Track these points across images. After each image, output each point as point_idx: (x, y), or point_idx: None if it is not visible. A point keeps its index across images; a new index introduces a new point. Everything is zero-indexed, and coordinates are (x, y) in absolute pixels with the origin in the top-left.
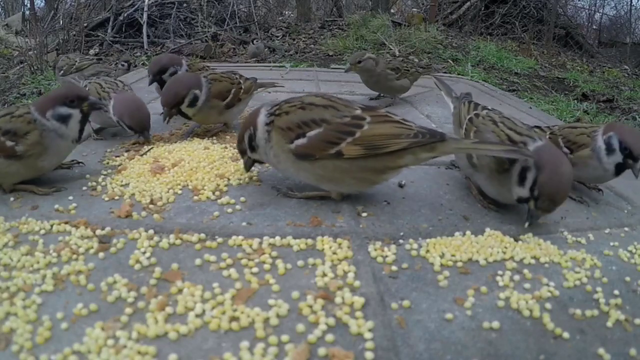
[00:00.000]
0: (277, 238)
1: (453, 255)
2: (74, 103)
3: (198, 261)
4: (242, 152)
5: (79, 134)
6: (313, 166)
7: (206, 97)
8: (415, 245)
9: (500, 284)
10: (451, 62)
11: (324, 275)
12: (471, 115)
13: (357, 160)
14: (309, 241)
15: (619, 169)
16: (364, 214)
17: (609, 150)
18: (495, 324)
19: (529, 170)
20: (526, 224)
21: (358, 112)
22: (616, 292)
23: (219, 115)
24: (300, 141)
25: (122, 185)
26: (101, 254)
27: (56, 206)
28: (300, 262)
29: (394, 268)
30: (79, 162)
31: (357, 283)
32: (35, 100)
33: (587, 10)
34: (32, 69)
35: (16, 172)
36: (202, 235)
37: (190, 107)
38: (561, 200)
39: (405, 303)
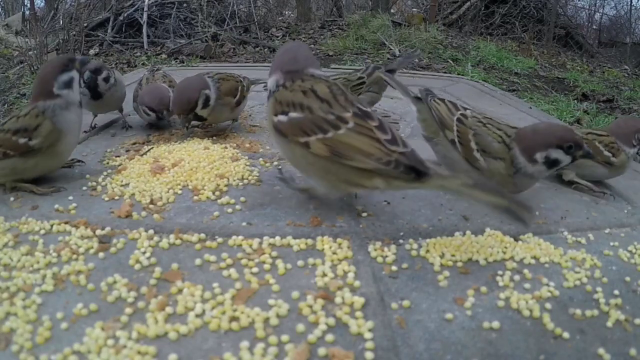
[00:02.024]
0: (277, 238)
1: (453, 255)
2: (69, 66)
3: (198, 261)
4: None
5: (80, 95)
6: (288, 147)
7: (216, 95)
8: (415, 245)
9: (500, 284)
10: (451, 62)
11: (324, 275)
12: (458, 115)
13: (323, 159)
14: (309, 241)
15: None
16: (364, 214)
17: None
18: (495, 324)
19: (553, 154)
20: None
21: (347, 114)
22: (616, 292)
23: (230, 112)
24: (281, 117)
25: (122, 185)
26: (101, 254)
27: (56, 206)
28: (300, 262)
29: (394, 268)
30: (79, 161)
31: (357, 283)
32: (32, 94)
33: (587, 10)
34: (32, 69)
35: (35, 166)
36: (202, 235)
37: (204, 108)
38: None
39: (405, 303)
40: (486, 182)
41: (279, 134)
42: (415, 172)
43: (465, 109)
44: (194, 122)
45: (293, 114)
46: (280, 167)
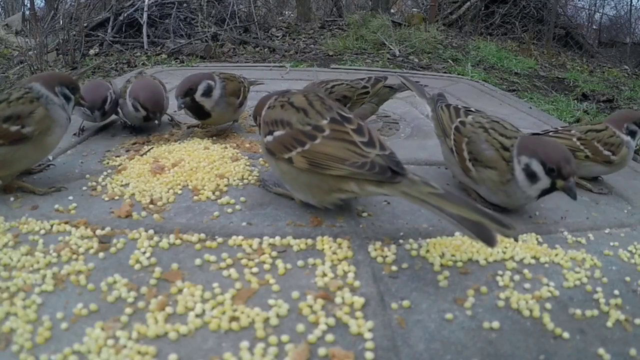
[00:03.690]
0: (277, 238)
1: (453, 255)
2: (73, 90)
3: (198, 261)
4: (258, 125)
5: (71, 112)
6: (276, 164)
7: (221, 93)
8: (415, 245)
9: (500, 284)
10: (451, 62)
11: (324, 275)
12: (456, 123)
13: (305, 172)
14: (309, 241)
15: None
16: (364, 214)
17: (633, 135)
18: (495, 324)
19: (531, 164)
20: (575, 199)
21: (324, 122)
22: (616, 292)
23: (233, 113)
24: (269, 138)
25: (122, 185)
26: (101, 254)
27: (56, 206)
28: (300, 262)
29: (394, 268)
30: (51, 164)
31: (357, 283)
32: (34, 77)
33: (587, 10)
34: (32, 69)
35: (23, 156)
36: (202, 235)
37: (204, 97)
38: (571, 156)
39: (405, 303)
40: (458, 195)
41: (269, 153)
42: (391, 171)
43: (469, 114)
44: (194, 122)
45: (277, 133)
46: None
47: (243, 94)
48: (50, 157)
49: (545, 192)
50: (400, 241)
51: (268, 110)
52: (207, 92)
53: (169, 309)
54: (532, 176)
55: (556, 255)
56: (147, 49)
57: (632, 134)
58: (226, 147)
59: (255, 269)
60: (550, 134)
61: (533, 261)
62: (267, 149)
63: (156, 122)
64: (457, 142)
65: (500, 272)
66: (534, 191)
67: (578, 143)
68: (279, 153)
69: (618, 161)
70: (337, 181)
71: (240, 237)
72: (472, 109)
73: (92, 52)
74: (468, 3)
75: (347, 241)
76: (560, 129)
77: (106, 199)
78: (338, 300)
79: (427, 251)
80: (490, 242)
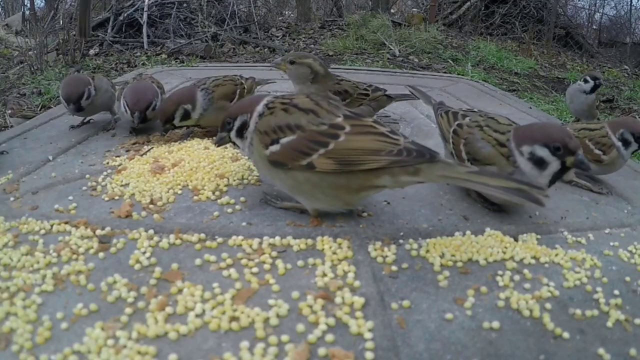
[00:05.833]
0: (277, 238)
1: (453, 255)
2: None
3: (198, 261)
4: (225, 129)
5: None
6: (286, 175)
7: (206, 105)
8: (415, 245)
9: (500, 284)
10: (451, 62)
11: (324, 275)
12: (454, 127)
13: (330, 175)
14: (309, 241)
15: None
16: (364, 214)
17: (626, 144)
18: (495, 324)
19: (535, 150)
20: (590, 169)
21: (339, 119)
22: (616, 292)
23: None
24: (274, 147)
25: (122, 185)
26: (101, 254)
27: (56, 206)
28: (300, 262)
29: (394, 268)
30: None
31: (357, 283)
32: None
33: (587, 10)
34: (32, 69)
35: None
36: (202, 235)
37: (184, 120)
38: (569, 131)
39: (405, 303)
40: (489, 170)
41: (275, 165)
42: (429, 154)
43: (467, 116)
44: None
45: (285, 139)
46: (264, 191)
47: (239, 96)
48: (50, 157)
49: (556, 177)
50: (400, 241)
51: (265, 118)
52: (185, 116)
53: (169, 309)
54: (539, 163)
55: (556, 255)
56: (147, 49)
57: (625, 142)
58: (226, 147)
59: (255, 269)
60: None
61: (533, 261)
62: (271, 162)
63: (134, 122)
64: (455, 145)
65: (500, 272)
66: (545, 178)
67: None
68: (292, 161)
69: (608, 162)
70: (369, 177)
71: (240, 237)
72: (474, 110)
73: (92, 52)
74: (468, 3)
75: (347, 241)
76: None
77: (106, 199)
78: (338, 300)
79: (427, 251)
80: (539, 202)
